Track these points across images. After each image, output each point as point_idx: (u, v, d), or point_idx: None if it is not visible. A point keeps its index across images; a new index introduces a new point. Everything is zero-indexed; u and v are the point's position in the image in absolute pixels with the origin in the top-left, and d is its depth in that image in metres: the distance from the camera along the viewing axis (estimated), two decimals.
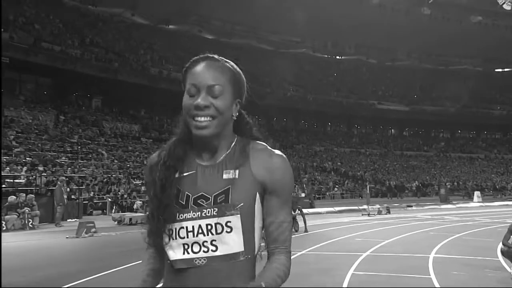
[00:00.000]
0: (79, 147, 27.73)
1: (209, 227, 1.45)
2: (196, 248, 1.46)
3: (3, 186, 18.00)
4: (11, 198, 15.21)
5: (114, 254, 9.66)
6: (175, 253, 1.47)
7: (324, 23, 45.78)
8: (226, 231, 1.45)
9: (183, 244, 1.47)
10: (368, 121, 53.96)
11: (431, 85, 56.45)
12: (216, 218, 1.45)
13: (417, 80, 57.39)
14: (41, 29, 33.96)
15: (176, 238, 1.47)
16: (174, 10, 41.49)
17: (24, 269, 8.17)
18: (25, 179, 19.27)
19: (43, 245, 11.46)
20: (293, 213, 13.72)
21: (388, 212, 21.54)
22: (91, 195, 21.18)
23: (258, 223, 1.49)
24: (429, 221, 17.19)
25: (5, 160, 21.00)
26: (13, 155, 22.50)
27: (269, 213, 1.49)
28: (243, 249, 1.46)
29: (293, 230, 13.46)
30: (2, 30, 30.00)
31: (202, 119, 1.42)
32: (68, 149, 26.95)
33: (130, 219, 16.16)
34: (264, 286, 1.36)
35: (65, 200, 16.86)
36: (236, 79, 1.51)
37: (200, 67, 1.46)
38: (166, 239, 1.47)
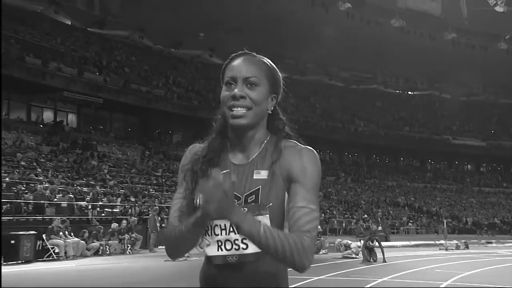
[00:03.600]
0: (164, 180, 29.61)
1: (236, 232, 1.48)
2: (228, 245, 1.52)
3: (103, 214, 20.03)
4: (114, 225, 16.75)
5: None
6: (211, 250, 1.55)
7: (396, 58, 46.24)
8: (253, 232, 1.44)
9: (217, 241, 1.53)
10: (442, 156, 53.00)
11: (508, 120, 54.74)
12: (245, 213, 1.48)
13: (493, 115, 55.89)
14: (130, 72, 36.99)
15: (211, 235, 1.54)
16: (249, 50, 43.63)
17: (135, 283, 9.41)
18: (121, 208, 21.22)
19: (146, 267, 12.83)
20: (371, 243, 14.40)
21: (467, 247, 21.25)
22: None
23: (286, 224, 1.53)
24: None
25: (102, 191, 23.04)
26: (108, 187, 24.43)
27: (291, 200, 1.49)
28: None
29: (372, 260, 14.12)
30: (97, 73, 33.25)
31: (239, 109, 1.50)
32: (154, 182, 28.74)
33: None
34: (262, 233, 1.36)
35: (158, 228, 18.12)
36: (272, 74, 1.59)
37: (237, 61, 1.56)
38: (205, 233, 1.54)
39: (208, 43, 43.74)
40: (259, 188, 1.52)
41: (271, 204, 1.50)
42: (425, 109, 54.55)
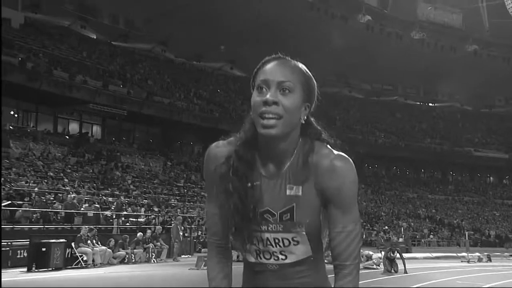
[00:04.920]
0: (185, 190, 30.09)
1: (276, 240, 1.50)
2: (267, 255, 1.53)
3: (127, 224, 20.43)
4: (139, 234, 17.00)
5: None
6: (250, 257, 1.55)
7: (417, 70, 46.29)
8: (293, 244, 1.50)
9: (256, 250, 1.54)
10: (464, 168, 52.54)
11: None
12: (282, 233, 1.49)
13: None
14: (153, 84, 37.67)
15: (249, 243, 1.54)
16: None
17: None
18: (145, 218, 21.63)
19: (172, 275, 13.18)
20: (392, 254, 14.41)
21: (489, 260, 20.98)
22: (199, 233, 23.12)
23: (324, 231, 1.55)
24: None
25: (126, 201, 23.53)
26: (132, 197, 24.94)
27: (332, 223, 1.48)
28: (310, 254, 1.52)
29: (393, 270, 14.12)
30: (121, 86, 34.02)
31: (270, 116, 1.40)
32: (176, 192, 29.24)
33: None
34: None
35: (181, 237, 18.50)
36: (307, 82, 1.51)
37: (271, 65, 1.47)
38: (242, 243, 1.55)
39: (228, 56, 44.42)
40: (293, 206, 1.48)
41: (307, 221, 1.48)
42: (446, 120, 54.28)
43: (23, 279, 11.39)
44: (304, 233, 1.49)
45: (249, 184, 1.49)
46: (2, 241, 13.63)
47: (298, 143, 1.52)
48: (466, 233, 29.39)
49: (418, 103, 56.37)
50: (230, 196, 1.49)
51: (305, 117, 1.52)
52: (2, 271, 12.03)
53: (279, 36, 40.06)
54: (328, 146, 1.54)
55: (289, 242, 1.50)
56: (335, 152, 1.51)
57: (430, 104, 57.01)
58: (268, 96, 1.41)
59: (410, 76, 48.25)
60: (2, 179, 19.35)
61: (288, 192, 1.48)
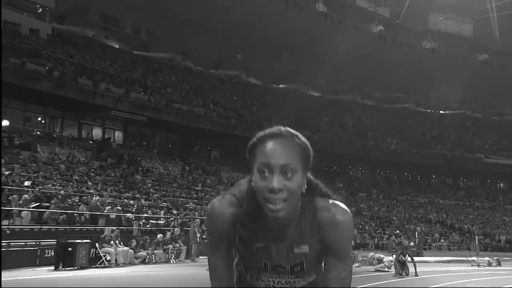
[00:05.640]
0: (203, 194, 30.74)
1: (288, 283, 1.66)
2: (277, 285, 1.66)
3: (148, 226, 21.24)
4: (159, 236, 17.68)
5: None
6: (259, 284, 1.65)
7: (428, 78, 46.82)
8: (303, 281, 1.67)
9: (266, 285, 1.65)
10: (474, 175, 52.88)
11: None
12: (294, 279, 1.65)
13: None
14: (173, 91, 38.43)
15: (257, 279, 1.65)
16: (284, 71, 45.13)
17: None
18: (164, 220, 22.35)
19: (190, 275, 13.53)
20: (403, 258, 14.80)
21: (499, 264, 21.30)
22: None
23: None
24: None
25: (147, 204, 24.31)
26: (152, 200, 25.54)
27: (327, 269, 1.60)
28: (315, 277, 1.69)
29: (404, 273, 14.47)
30: (142, 93, 35.10)
31: (277, 202, 1.44)
32: (194, 196, 29.77)
33: None
34: None
35: (198, 239, 18.87)
36: (306, 154, 1.51)
37: (270, 146, 1.46)
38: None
39: (245, 64, 45.17)
40: (302, 260, 1.60)
41: (317, 269, 1.65)
42: (457, 128, 54.62)
43: (51, 277, 11.82)
44: (314, 276, 1.67)
45: (257, 246, 1.58)
46: (31, 240, 14.47)
47: (300, 204, 1.56)
48: (476, 237, 29.63)
49: (429, 110, 56.71)
50: (239, 261, 1.59)
51: (305, 186, 1.55)
52: (31, 269, 12.96)
53: (293, 45, 40.98)
54: (329, 199, 1.62)
55: (300, 281, 1.67)
56: (335, 203, 1.60)
57: (441, 112, 57.36)
58: (274, 184, 1.43)
59: (422, 84, 48.68)
60: (31, 182, 20.48)
61: (295, 250, 1.59)
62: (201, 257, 19.03)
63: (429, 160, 47.50)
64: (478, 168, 49.52)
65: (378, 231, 35.35)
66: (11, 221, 15.22)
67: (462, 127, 54.93)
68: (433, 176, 53.69)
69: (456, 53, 48.25)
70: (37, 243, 14.50)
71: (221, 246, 1.64)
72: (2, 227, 14.51)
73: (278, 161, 1.44)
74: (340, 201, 1.62)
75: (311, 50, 40.98)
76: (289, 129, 1.53)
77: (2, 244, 13.39)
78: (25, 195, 16.92)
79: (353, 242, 20.28)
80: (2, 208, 15.46)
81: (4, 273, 11.65)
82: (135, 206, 22.02)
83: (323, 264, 1.66)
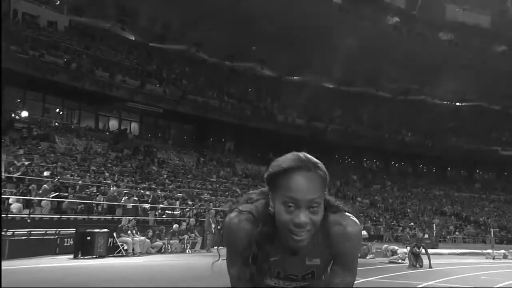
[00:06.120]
0: (217, 185, 30.98)
1: (297, 285, 1.74)
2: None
3: (164, 216, 21.59)
4: (175, 226, 17.94)
5: None
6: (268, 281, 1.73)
7: (444, 70, 46.37)
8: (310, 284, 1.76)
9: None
10: (491, 167, 52.44)
11: None
12: (303, 283, 1.74)
13: None
14: (188, 83, 38.73)
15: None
16: (299, 62, 45.04)
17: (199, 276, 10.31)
18: (180, 211, 22.58)
19: (206, 264, 14.00)
20: (417, 250, 14.87)
21: None
22: None
23: None
24: None
25: (162, 195, 24.63)
26: (168, 191, 25.94)
27: (333, 275, 1.69)
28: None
29: (418, 265, 14.54)
30: (158, 85, 35.40)
31: (302, 235, 1.50)
32: (209, 187, 30.08)
33: None
34: None
35: (213, 230, 18.84)
36: (326, 182, 1.55)
37: (296, 180, 1.49)
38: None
39: (259, 56, 45.20)
40: (314, 270, 1.68)
41: (326, 274, 1.73)
42: (473, 120, 54.12)
43: (71, 265, 12.16)
44: (322, 279, 1.75)
45: (271, 260, 1.63)
46: (51, 229, 14.80)
47: None
48: (492, 230, 29.53)
49: (445, 102, 56.24)
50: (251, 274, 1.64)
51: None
52: (51, 257, 13.35)
53: (308, 37, 40.83)
54: (339, 212, 1.67)
55: (308, 284, 1.76)
56: (346, 216, 1.65)
57: (458, 104, 56.87)
58: (302, 219, 1.48)
59: (438, 76, 48.24)
60: (50, 172, 20.87)
61: (308, 262, 1.65)
62: (216, 247, 19.29)
63: (444, 152, 47.24)
64: (494, 160, 49.10)
65: (393, 223, 35.37)
66: (31, 210, 15.57)
67: (479, 119, 54.32)
68: (449, 168, 53.37)
69: (473, 44, 47.70)
70: (57, 232, 14.83)
71: (238, 259, 1.68)
72: (23, 216, 14.93)
73: (305, 197, 1.48)
74: (350, 212, 1.68)
75: (326, 42, 40.81)
76: (309, 157, 1.56)
77: (23, 232, 13.82)
78: (45, 185, 17.27)
79: (366, 239, 20.37)
80: (23, 197, 15.87)
81: (26, 261, 12.12)
82: (151, 196, 22.25)
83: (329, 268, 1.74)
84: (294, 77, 48.87)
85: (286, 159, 1.54)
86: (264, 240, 1.60)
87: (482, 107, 55.73)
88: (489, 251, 22.01)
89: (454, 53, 46.30)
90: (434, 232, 28.86)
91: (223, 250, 1.75)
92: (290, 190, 1.48)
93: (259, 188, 1.80)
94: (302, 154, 1.56)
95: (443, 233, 34.81)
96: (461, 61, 45.59)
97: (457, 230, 36.70)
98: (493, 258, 20.38)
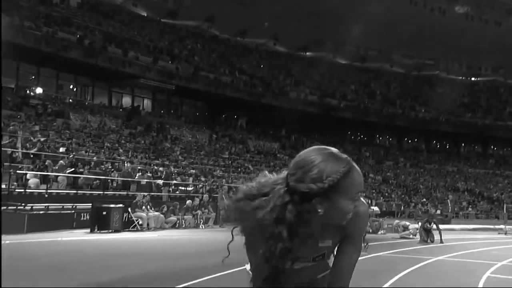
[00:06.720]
0: (230, 162, 31.22)
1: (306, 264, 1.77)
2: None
3: (177, 192, 21.86)
4: (188, 202, 18.12)
5: None
6: None
7: (460, 45, 45.67)
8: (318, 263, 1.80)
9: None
10: (505, 143, 51.82)
11: None
12: (312, 263, 1.77)
13: None
14: (200, 60, 38.65)
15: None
16: (311, 38, 44.65)
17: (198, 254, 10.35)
18: (193, 187, 22.91)
19: (219, 239, 14.33)
20: (428, 225, 14.94)
21: None
22: None
23: None
24: None
25: (176, 171, 24.84)
26: (181, 167, 26.18)
27: (341, 252, 1.75)
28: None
29: (429, 240, 14.56)
30: (170, 61, 35.39)
31: None
32: (222, 163, 30.25)
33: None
34: None
35: (225, 206, 19.87)
36: None
37: (358, 176, 1.58)
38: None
39: (272, 32, 44.84)
40: (325, 252, 1.75)
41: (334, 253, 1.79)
42: (488, 95, 53.43)
43: (88, 239, 12.46)
44: (331, 258, 1.80)
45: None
46: (68, 204, 15.17)
47: None
48: (505, 205, 29.40)
49: (460, 77, 55.54)
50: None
51: None
52: (68, 231, 13.57)
53: (321, 12, 40.35)
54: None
55: (317, 263, 1.79)
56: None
57: (473, 79, 56.12)
58: (367, 206, 1.72)
59: (453, 50, 47.53)
60: (65, 148, 21.17)
61: (320, 244, 1.71)
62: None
63: (458, 128, 46.84)
64: (509, 136, 48.54)
65: (405, 199, 35.40)
66: (48, 185, 15.87)
67: (494, 94, 53.64)
68: (463, 144, 52.90)
69: (489, 18, 46.79)
70: (74, 207, 15.18)
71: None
72: (41, 191, 15.26)
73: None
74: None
75: (338, 17, 40.32)
76: (334, 149, 1.61)
77: (41, 207, 14.16)
78: (61, 161, 17.55)
79: (377, 215, 20.42)
80: (40, 173, 16.17)
81: (45, 234, 12.44)
82: (164, 173, 22.48)
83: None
84: (307, 53, 48.50)
85: (328, 160, 1.55)
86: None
87: (498, 81, 54.95)
88: (502, 226, 21.83)
89: (470, 27, 45.48)
90: (449, 208, 28.76)
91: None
92: (358, 186, 1.57)
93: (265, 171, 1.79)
94: (330, 149, 1.60)
95: (456, 209, 34.77)
96: (477, 35, 44.80)
97: (470, 206, 36.62)
98: (505, 234, 20.28)
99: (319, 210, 1.55)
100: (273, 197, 1.57)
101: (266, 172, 1.76)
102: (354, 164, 1.57)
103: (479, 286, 7.14)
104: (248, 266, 1.85)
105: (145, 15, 39.97)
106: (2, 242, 9.98)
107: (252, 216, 1.60)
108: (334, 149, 1.60)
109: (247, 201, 1.63)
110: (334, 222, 1.62)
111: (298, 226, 1.55)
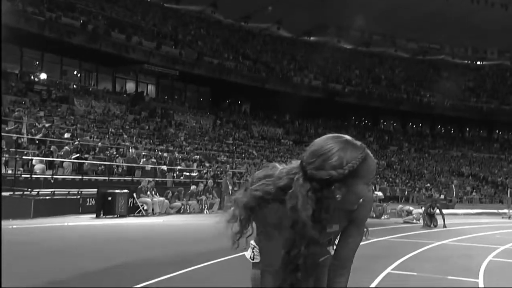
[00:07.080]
0: (234, 147, 31.30)
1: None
2: None
3: (181, 178, 21.94)
4: (192, 187, 18.15)
5: None
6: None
7: (465, 28, 45.19)
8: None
9: None
10: (511, 127, 51.61)
11: None
12: (320, 248, 1.81)
13: None
14: (203, 45, 38.49)
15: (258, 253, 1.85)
16: (315, 22, 44.25)
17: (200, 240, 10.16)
18: (197, 172, 22.91)
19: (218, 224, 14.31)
20: (432, 210, 14.84)
21: None
22: None
23: None
24: None
25: (180, 156, 24.81)
26: (185, 153, 26.15)
27: (346, 233, 1.81)
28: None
29: (432, 225, 14.57)
30: (174, 47, 35.25)
31: None
32: (226, 149, 30.36)
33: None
34: None
35: (230, 191, 18.80)
36: None
37: (373, 162, 1.66)
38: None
39: (275, 17, 44.47)
40: (332, 237, 1.83)
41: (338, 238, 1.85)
42: (494, 79, 53.05)
43: (94, 224, 12.54)
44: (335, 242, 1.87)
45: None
46: (74, 189, 15.19)
47: None
48: (509, 190, 29.31)
49: (466, 61, 55.10)
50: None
51: None
52: (74, 216, 13.69)
53: None
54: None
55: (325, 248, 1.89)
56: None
57: (478, 63, 55.65)
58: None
59: (458, 34, 47.05)
60: (70, 134, 21.24)
61: (328, 230, 1.76)
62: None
63: (463, 112, 46.63)
64: None
65: (409, 184, 35.42)
66: (54, 171, 15.98)
67: (500, 78, 53.22)
68: (467, 129, 52.73)
69: (495, 1, 46.15)
70: (79, 192, 15.26)
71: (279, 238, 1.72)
72: (47, 176, 15.37)
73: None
74: None
75: (342, 1, 39.89)
76: (348, 137, 1.68)
77: (47, 192, 14.28)
78: (66, 147, 17.63)
79: (381, 200, 20.47)
80: (46, 158, 16.28)
81: (52, 219, 12.58)
82: (168, 158, 22.58)
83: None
84: (311, 38, 48.16)
85: (345, 147, 1.61)
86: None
87: (504, 65, 54.45)
88: (505, 210, 21.87)
89: (476, 10, 44.93)
90: (454, 193, 28.74)
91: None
92: (373, 171, 1.65)
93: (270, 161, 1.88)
94: (345, 136, 1.66)
95: (460, 194, 34.76)
96: (482, 18, 44.29)
97: (474, 190, 36.62)
98: (509, 218, 20.32)
99: (338, 196, 1.61)
100: (295, 187, 1.60)
101: (276, 163, 1.82)
102: (368, 151, 1.64)
103: (481, 269, 7.18)
104: (247, 253, 1.88)
105: (149, 0, 39.68)
106: (10, 226, 10.14)
107: (276, 208, 1.66)
108: (348, 137, 1.65)
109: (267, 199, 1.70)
110: (347, 207, 1.69)
111: (320, 213, 1.62)
